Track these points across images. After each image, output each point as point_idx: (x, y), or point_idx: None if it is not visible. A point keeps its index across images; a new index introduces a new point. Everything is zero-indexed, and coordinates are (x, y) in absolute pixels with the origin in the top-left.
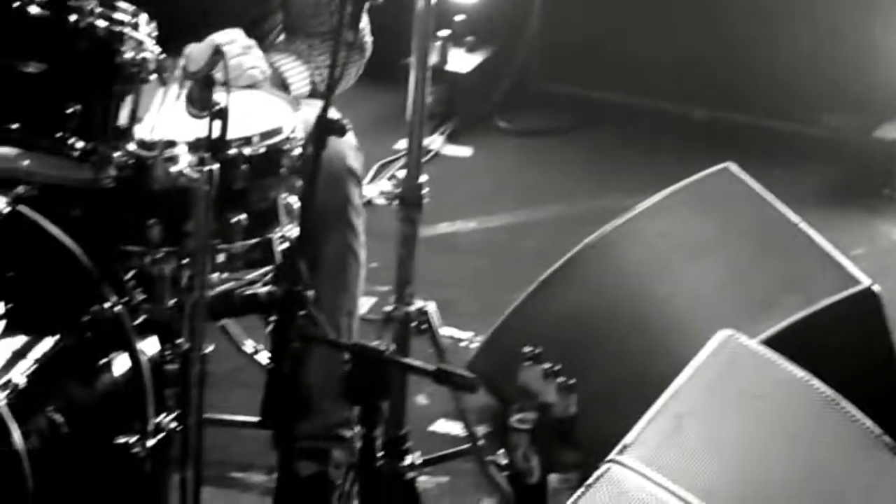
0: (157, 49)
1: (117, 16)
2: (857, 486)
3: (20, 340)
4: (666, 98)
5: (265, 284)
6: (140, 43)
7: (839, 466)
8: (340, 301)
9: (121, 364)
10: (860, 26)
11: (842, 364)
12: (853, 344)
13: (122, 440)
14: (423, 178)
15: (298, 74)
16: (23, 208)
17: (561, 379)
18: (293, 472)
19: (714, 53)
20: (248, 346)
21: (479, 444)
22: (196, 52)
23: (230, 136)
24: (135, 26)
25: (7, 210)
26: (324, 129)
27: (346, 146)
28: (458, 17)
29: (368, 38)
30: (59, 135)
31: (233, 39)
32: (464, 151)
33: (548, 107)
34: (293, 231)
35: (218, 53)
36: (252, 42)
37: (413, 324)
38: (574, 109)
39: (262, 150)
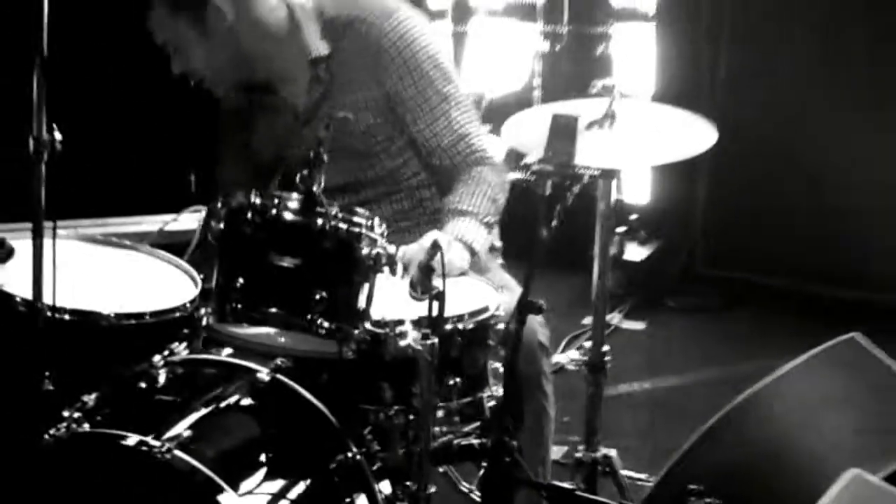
0: (389, 245)
1: (356, 219)
2: None
3: (279, 484)
4: (807, 279)
5: (477, 436)
6: (374, 241)
7: None
8: (537, 453)
9: None
10: None
11: None
12: None
13: None
14: (606, 348)
15: (476, 233)
16: (281, 377)
17: None
18: None
19: (835, 235)
20: (465, 487)
21: None
22: (412, 251)
23: (447, 314)
24: (370, 227)
25: (269, 378)
26: (524, 309)
27: (536, 324)
28: (633, 216)
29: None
30: (309, 317)
31: (441, 237)
32: (639, 325)
33: (710, 287)
34: (499, 391)
35: (436, 248)
36: (451, 237)
37: (599, 467)
38: (732, 289)
39: (472, 325)
